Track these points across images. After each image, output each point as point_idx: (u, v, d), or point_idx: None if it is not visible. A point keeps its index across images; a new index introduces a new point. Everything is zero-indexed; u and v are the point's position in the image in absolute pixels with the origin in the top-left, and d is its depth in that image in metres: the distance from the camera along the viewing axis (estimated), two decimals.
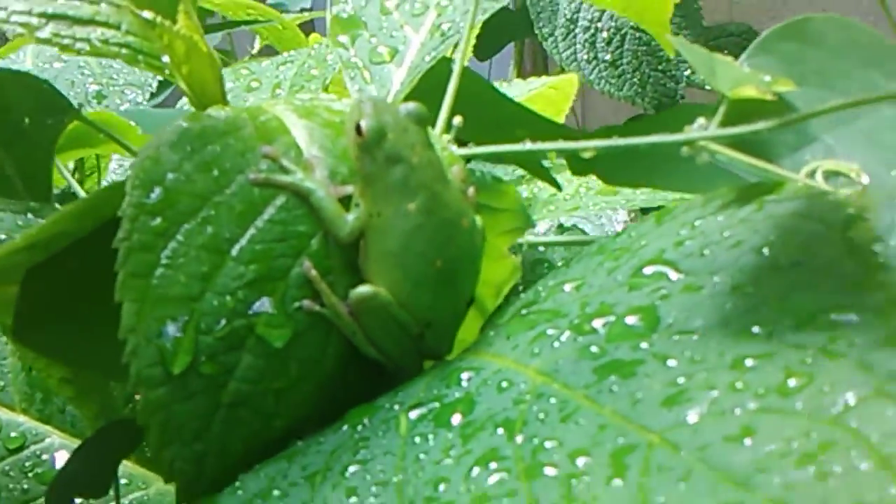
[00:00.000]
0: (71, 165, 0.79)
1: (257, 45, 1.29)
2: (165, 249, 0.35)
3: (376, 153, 0.37)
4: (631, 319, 0.31)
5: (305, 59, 0.74)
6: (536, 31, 1.17)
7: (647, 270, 0.33)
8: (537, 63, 1.44)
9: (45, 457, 0.55)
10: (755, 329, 0.29)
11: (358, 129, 0.37)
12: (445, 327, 0.39)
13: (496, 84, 0.86)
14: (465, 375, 0.34)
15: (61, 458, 0.55)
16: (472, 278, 0.40)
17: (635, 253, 0.35)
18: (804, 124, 0.36)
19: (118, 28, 0.43)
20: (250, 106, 0.40)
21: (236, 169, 0.37)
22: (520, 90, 0.86)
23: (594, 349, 0.31)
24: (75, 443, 0.55)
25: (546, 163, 0.59)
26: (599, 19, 1.16)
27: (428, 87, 0.48)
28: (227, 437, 0.36)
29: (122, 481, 0.53)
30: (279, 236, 0.36)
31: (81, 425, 0.55)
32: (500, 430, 0.30)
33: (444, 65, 0.49)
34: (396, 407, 0.34)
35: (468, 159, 0.45)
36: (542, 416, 0.30)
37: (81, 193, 0.68)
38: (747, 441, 0.25)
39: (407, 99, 0.48)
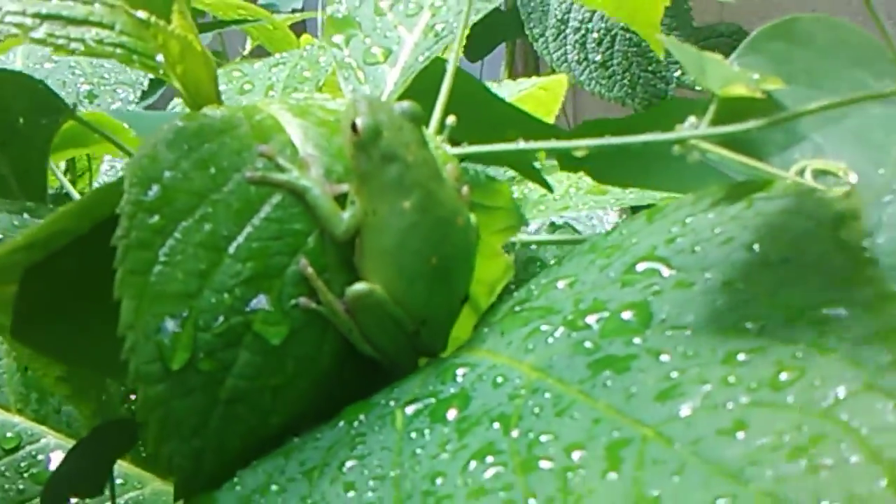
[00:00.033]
0: (62, 166, 0.79)
1: (248, 46, 1.29)
2: (163, 247, 0.35)
3: (372, 151, 0.37)
4: (624, 315, 0.32)
5: (298, 61, 0.74)
6: (527, 32, 1.18)
7: (640, 267, 0.34)
8: (528, 64, 1.44)
9: (40, 457, 0.55)
10: (747, 324, 0.29)
11: (354, 127, 0.37)
12: (440, 324, 0.40)
13: (489, 85, 0.86)
14: (459, 371, 0.34)
15: (56, 459, 0.55)
16: (467, 276, 0.40)
17: (627, 250, 0.35)
18: (793, 123, 0.36)
19: (112, 28, 0.43)
20: (246, 105, 0.41)
21: (233, 167, 0.37)
22: (510, 91, 0.86)
23: (588, 344, 0.31)
24: (71, 443, 0.55)
25: (536, 164, 0.59)
26: (590, 20, 1.17)
27: (421, 88, 0.48)
28: (225, 434, 0.36)
29: (118, 481, 0.53)
30: (276, 234, 0.37)
31: (77, 426, 0.55)
32: (496, 425, 0.30)
33: (438, 65, 0.49)
34: (392, 403, 0.35)
35: (461, 159, 0.45)
36: (537, 410, 0.30)
37: (74, 193, 0.69)
38: (740, 434, 0.25)
39: (401, 99, 0.48)
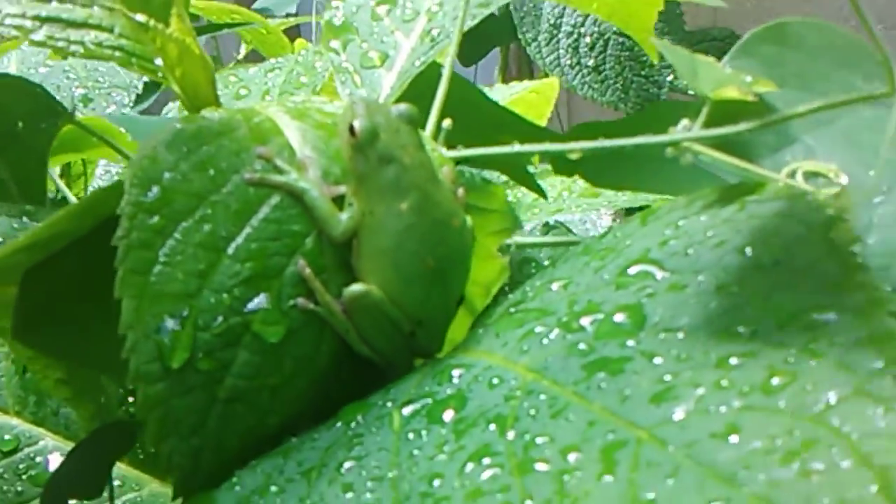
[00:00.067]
0: (57, 171, 0.80)
1: (243, 51, 1.29)
2: (163, 247, 0.35)
3: (369, 153, 0.38)
4: (618, 317, 0.32)
5: (294, 66, 0.74)
6: (520, 37, 1.18)
7: (633, 269, 0.34)
8: (522, 68, 1.45)
9: (38, 459, 0.55)
10: (739, 328, 0.29)
11: (351, 129, 0.38)
12: (436, 325, 0.40)
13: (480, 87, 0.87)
14: (455, 372, 0.35)
15: (55, 461, 0.55)
16: (463, 277, 0.40)
17: (621, 252, 0.35)
18: (785, 125, 0.36)
19: (111, 31, 0.43)
20: (244, 108, 0.41)
21: (232, 169, 0.37)
22: (502, 95, 0.87)
23: (582, 346, 0.32)
24: (69, 445, 0.55)
25: (532, 169, 0.60)
26: (582, 24, 1.17)
27: (418, 92, 0.48)
28: (224, 432, 0.36)
29: (116, 483, 0.53)
30: (274, 235, 0.37)
31: (75, 428, 0.55)
32: (492, 427, 0.30)
33: (434, 70, 0.50)
34: (389, 404, 0.35)
35: (457, 161, 0.45)
36: (532, 412, 0.30)
37: (71, 198, 0.69)
38: (733, 438, 0.26)
39: (397, 103, 0.49)
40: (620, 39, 1.16)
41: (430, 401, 0.33)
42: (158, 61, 0.44)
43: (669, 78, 1.15)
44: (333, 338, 0.38)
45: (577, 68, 1.16)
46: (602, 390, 0.29)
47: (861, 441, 0.24)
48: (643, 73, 1.15)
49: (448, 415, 0.32)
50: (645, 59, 1.15)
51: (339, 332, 0.38)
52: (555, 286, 0.36)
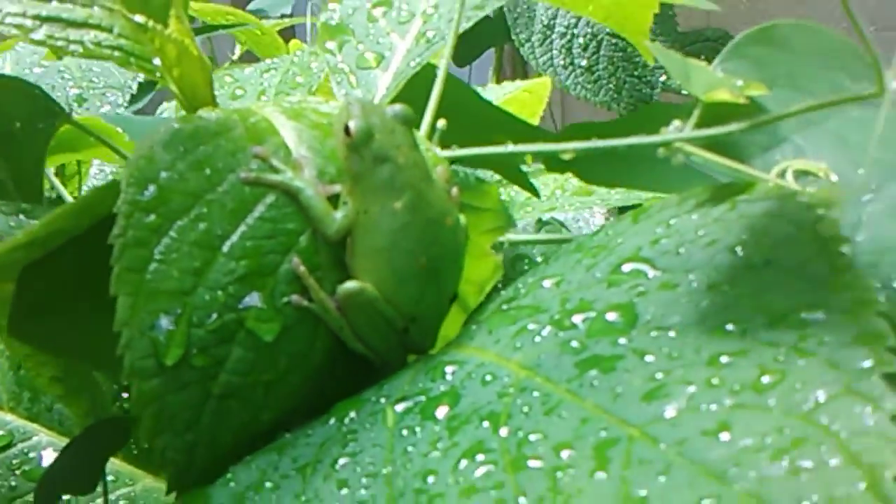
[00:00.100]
0: (52, 171, 0.80)
1: (238, 51, 1.29)
2: (159, 245, 0.36)
3: (364, 153, 0.38)
4: (610, 315, 0.32)
5: (289, 67, 0.74)
6: (513, 37, 1.18)
7: (625, 268, 0.34)
8: (516, 69, 1.45)
9: (32, 455, 0.55)
10: (729, 326, 0.30)
11: (346, 129, 0.38)
12: (429, 322, 0.40)
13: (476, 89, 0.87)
14: (449, 369, 0.35)
15: (48, 456, 0.55)
16: (456, 275, 0.41)
17: (613, 250, 0.36)
18: (775, 125, 0.37)
19: (111, 31, 0.44)
20: (240, 108, 0.41)
21: (228, 168, 0.38)
22: (495, 95, 0.87)
23: (575, 344, 0.32)
24: (62, 441, 0.55)
25: (525, 168, 0.60)
26: (576, 25, 1.17)
27: (413, 92, 0.49)
28: (217, 428, 0.36)
29: (109, 478, 0.54)
30: (269, 233, 0.37)
31: (69, 423, 0.56)
32: (486, 423, 0.30)
33: (429, 71, 0.50)
34: (383, 400, 0.35)
35: (451, 161, 0.46)
36: (525, 409, 0.30)
37: (67, 197, 0.69)
38: (723, 436, 0.26)
39: (392, 103, 0.49)
40: (613, 40, 1.16)
41: (423, 397, 0.34)
42: (157, 61, 0.44)
43: (662, 78, 1.15)
44: (327, 335, 0.38)
45: (571, 69, 1.16)
46: (594, 388, 0.30)
47: (850, 439, 0.24)
48: (636, 73, 1.15)
49: (441, 411, 0.32)
50: (638, 59, 1.15)
51: (333, 329, 0.38)
52: (547, 283, 0.37)
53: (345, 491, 0.31)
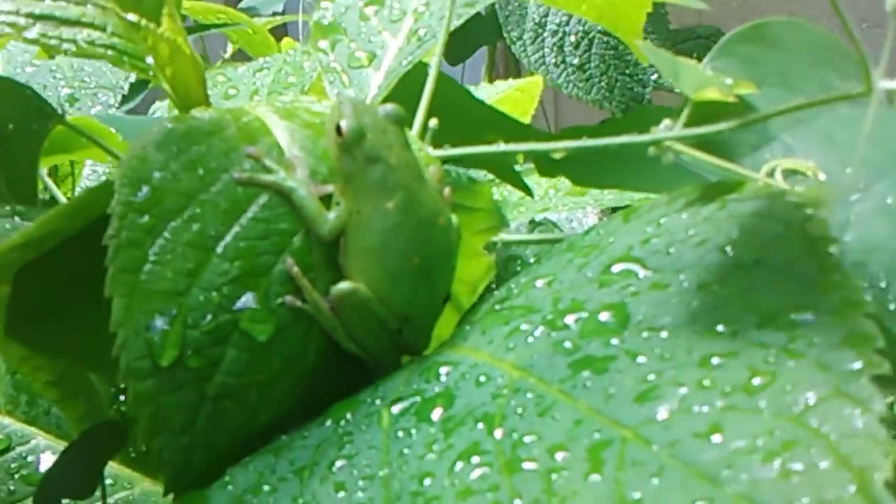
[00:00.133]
0: (44, 172, 0.80)
1: (230, 50, 1.29)
2: (153, 246, 0.36)
3: (356, 153, 0.38)
4: (602, 316, 0.32)
5: (282, 66, 0.74)
6: (505, 35, 1.18)
7: (616, 267, 0.34)
8: (509, 67, 1.45)
9: (30, 458, 0.55)
10: (720, 327, 0.30)
11: (338, 129, 0.38)
12: (422, 323, 0.40)
13: (468, 88, 0.87)
14: (443, 370, 0.35)
15: (46, 460, 0.55)
16: (448, 275, 0.41)
17: (604, 250, 0.36)
18: (764, 124, 0.37)
19: (104, 30, 0.44)
20: (233, 108, 0.41)
21: (221, 168, 0.38)
22: (487, 94, 0.87)
23: (567, 344, 0.32)
24: (60, 444, 0.55)
25: (517, 167, 0.60)
26: (567, 23, 1.17)
27: (405, 91, 0.49)
28: (213, 429, 0.37)
29: (107, 482, 0.54)
30: (262, 234, 0.37)
31: (66, 427, 0.56)
32: (480, 425, 0.31)
33: (420, 69, 0.50)
34: (378, 402, 0.35)
35: (443, 161, 0.46)
36: (520, 410, 0.30)
37: (61, 198, 0.69)
38: (715, 438, 0.26)
39: (384, 102, 0.49)
40: (605, 38, 1.16)
41: (418, 399, 0.34)
42: (149, 60, 0.44)
43: (654, 77, 1.15)
44: (321, 335, 0.39)
45: (562, 67, 1.16)
46: (587, 389, 0.30)
47: (839, 442, 0.25)
48: (628, 71, 1.15)
49: (436, 413, 0.32)
50: (629, 58, 1.15)
51: (326, 329, 0.38)
52: (539, 283, 0.37)
53: (342, 494, 0.31)
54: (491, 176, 0.65)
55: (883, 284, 0.35)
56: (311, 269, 0.38)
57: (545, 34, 1.17)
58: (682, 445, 0.26)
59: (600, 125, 0.54)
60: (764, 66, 0.41)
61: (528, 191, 0.60)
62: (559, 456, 0.28)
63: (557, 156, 0.41)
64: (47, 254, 0.39)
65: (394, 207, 0.38)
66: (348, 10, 0.56)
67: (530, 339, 0.33)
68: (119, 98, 0.85)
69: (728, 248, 0.32)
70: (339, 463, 0.33)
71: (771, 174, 0.36)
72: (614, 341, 0.31)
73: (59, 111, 0.57)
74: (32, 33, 0.42)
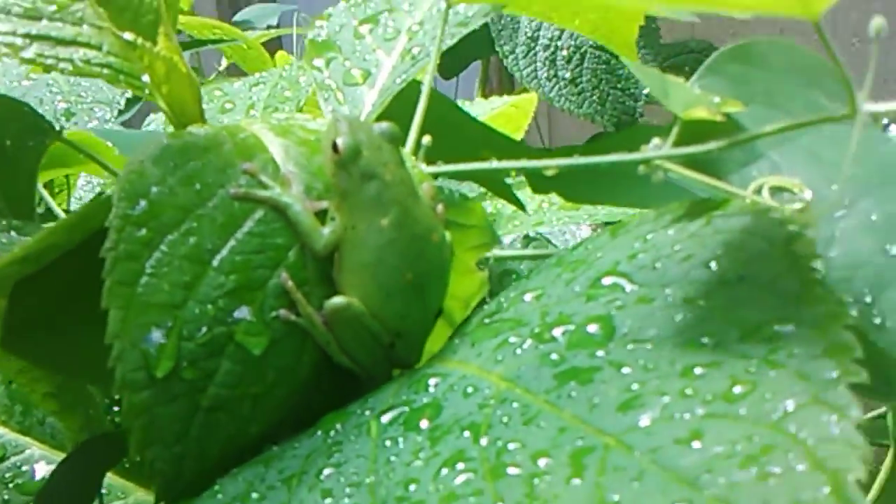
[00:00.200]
0: (40, 185, 0.80)
1: (224, 63, 1.30)
2: (150, 259, 0.36)
3: (351, 170, 0.39)
4: (589, 328, 0.33)
5: (278, 81, 0.75)
6: (497, 49, 1.18)
7: (603, 282, 0.35)
8: (503, 81, 1.46)
9: (25, 468, 0.56)
10: (704, 339, 0.30)
11: (334, 146, 0.39)
12: (415, 337, 0.41)
13: (462, 103, 0.88)
14: (432, 381, 0.35)
15: (41, 470, 0.55)
16: (441, 290, 0.41)
17: (592, 265, 0.36)
18: (751, 142, 0.38)
19: (100, 49, 0.44)
20: (229, 124, 0.42)
21: (217, 183, 0.38)
22: (482, 109, 0.88)
23: (554, 356, 0.32)
24: (55, 454, 0.55)
25: (509, 180, 0.61)
26: (559, 38, 1.17)
27: (398, 109, 0.50)
28: (206, 440, 0.37)
29: (102, 491, 0.54)
30: (258, 248, 0.38)
31: (61, 437, 0.56)
32: (466, 434, 0.31)
33: (414, 87, 0.51)
34: (367, 412, 0.36)
35: (436, 177, 0.46)
36: (505, 419, 0.31)
37: (58, 211, 0.69)
38: (695, 444, 0.27)
39: (378, 120, 0.50)
40: (597, 53, 1.16)
41: (406, 409, 0.34)
42: (145, 78, 0.45)
43: (646, 91, 1.15)
44: (314, 349, 0.39)
45: (554, 81, 1.16)
46: (572, 398, 0.30)
47: (816, 446, 0.25)
48: (619, 86, 1.16)
49: (424, 422, 0.33)
50: (621, 72, 1.16)
51: (320, 343, 0.39)
52: (528, 297, 0.37)
53: (329, 500, 0.32)
54: (484, 190, 0.66)
55: (868, 299, 0.36)
56: (305, 283, 0.39)
57: (537, 48, 1.17)
58: (663, 451, 0.27)
59: (592, 142, 0.54)
60: (750, 84, 0.41)
61: (520, 205, 0.61)
62: (542, 462, 0.28)
63: (549, 173, 0.42)
64: (45, 267, 0.39)
65: (388, 224, 0.39)
66: (343, 29, 0.57)
67: (518, 352, 0.34)
68: (115, 113, 0.85)
69: (713, 264, 0.33)
70: (326, 471, 0.33)
71: (758, 191, 0.37)
72: (600, 353, 0.32)
73: (56, 125, 0.57)
74: (29, 53, 0.43)
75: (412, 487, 0.30)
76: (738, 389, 0.28)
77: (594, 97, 1.16)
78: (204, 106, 0.48)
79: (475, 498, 0.28)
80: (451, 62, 1.28)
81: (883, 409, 0.83)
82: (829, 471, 0.25)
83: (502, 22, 1.18)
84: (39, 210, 0.68)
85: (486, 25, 1.20)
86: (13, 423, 0.56)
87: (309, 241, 0.39)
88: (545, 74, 1.17)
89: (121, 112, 0.86)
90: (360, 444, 0.34)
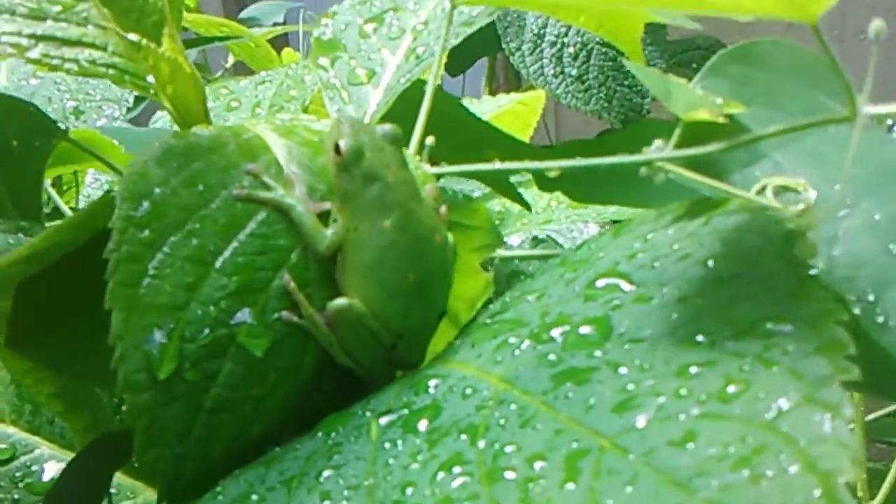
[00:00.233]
0: (48, 182, 0.80)
1: (231, 60, 1.30)
2: (153, 260, 0.36)
3: (354, 171, 0.39)
4: (586, 329, 0.33)
5: (283, 79, 0.75)
6: (504, 46, 1.18)
7: (602, 282, 0.35)
8: (510, 78, 1.45)
9: (34, 467, 0.56)
10: (699, 338, 0.30)
11: (337, 148, 0.39)
12: (417, 338, 0.41)
13: (468, 101, 0.88)
14: (432, 383, 0.35)
15: (50, 469, 0.56)
16: (444, 292, 0.41)
17: (593, 265, 0.36)
18: (754, 143, 0.38)
19: (105, 49, 0.45)
20: (233, 125, 0.42)
21: (220, 184, 0.38)
22: (490, 107, 0.88)
23: (552, 357, 0.32)
24: (64, 454, 0.56)
25: (519, 177, 0.61)
26: (566, 34, 1.17)
27: (403, 108, 0.50)
28: (208, 441, 0.37)
29: (111, 491, 0.54)
30: (260, 249, 0.38)
31: (70, 436, 0.56)
32: (464, 436, 0.31)
33: (419, 86, 0.51)
34: (368, 414, 0.36)
35: (440, 177, 0.46)
36: (502, 421, 0.31)
37: (65, 209, 0.70)
38: (689, 445, 0.27)
39: (382, 119, 0.50)
40: (603, 49, 1.16)
41: (406, 411, 0.34)
42: (150, 79, 0.45)
43: None
44: (317, 350, 0.39)
45: (561, 78, 1.16)
46: (569, 400, 0.30)
47: (808, 447, 0.25)
48: (626, 82, 1.15)
49: (423, 424, 0.33)
50: (627, 69, 1.15)
51: (322, 344, 0.39)
52: (530, 298, 0.37)
53: (327, 503, 0.32)
54: (489, 190, 0.66)
55: (871, 298, 0.36)
56: (307, 284, 0.39)
57: (544, 45, 1.17)
58: (658, 454, 0.27)
59: (599, 139, 0.54)
60: (752, 85, 0.41)
61: (525, 204, 0.61)
62: (537, 465, 0.28)
63: (552, 174, 0.42)
64: (49, 267, 0.40)
65: (390, 225, 0.39)
66: (348, 28, 0.57)
67: (517, 353, 0.34)
68: (124, 111, 0.85)
69: (710, 262, 0.33)
70: (326, 473, 0.33)
71: (762, 192, 0.37)
72: (597, 353, 0.32)
73: (65, 124, 0.58)
74: (35, 53, 0.43)
75: (409, 491, 0.30)
76: (731, 389, 0.28)
77: (601, 94, 1.16)
78: (210, 104, 0.48)
79: (470, 502, 0.28)
80: (458, 59, 1.28)
81: (892, 408, 0.83)
82: (821, 472, 0.25)
83: (508, 19, 1.18)
84: (46, 209, 0.68)
85: (492, 22, 1.20)
86: (22, 422, 0.57)
87: (311, 243, 0.39)
88: (552, 71, 1.16)
89: (129, 109, 0.86)
90: (359, 446, 0.34)
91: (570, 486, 0.27)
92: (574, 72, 1.16)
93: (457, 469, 0.30)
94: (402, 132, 0.41)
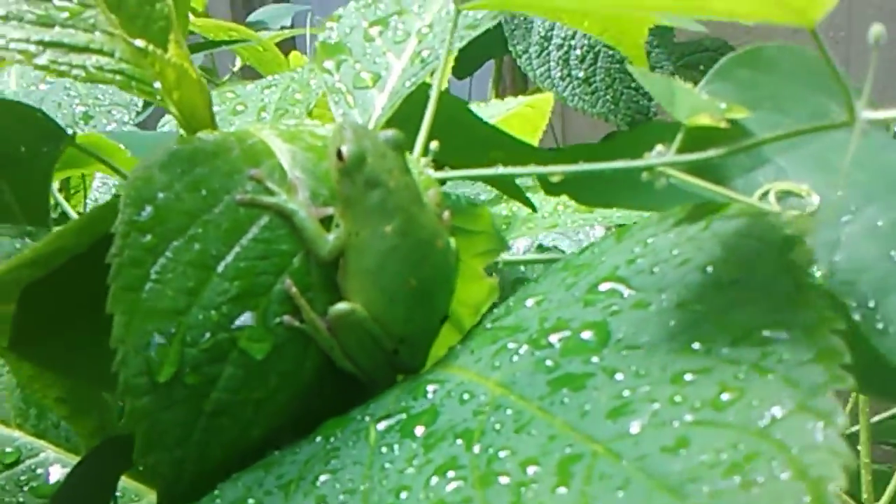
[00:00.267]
0: (56, 185, 0.80)
1: (238, 63, 1.31)
2: (155, 265, 0.37)
3: (356, 177, 0.39)
4: (584, 334, 0.33)
5: (289, 83, 0.75)
6: (510, 49, 1.18)
7: (602, 287, 0.35)
8: (516, 80, 1.45)
9: (39, 471, 0.56)
10: (695, 345, 0.30)
11: (339, 154, 0.39)
12: (419, 343, 0.41)
13: (476, 104, 0.88)
14: (430, 388, 0.36)
15: (56, 473, 0.56)
16: (446, 297, 0.41)
17: (594, 269, 0.36)
18: (757, 148, 0.38)
19: (112, 55, 0.45)
20: (237, 130, 0.42)
21: (224, 189, 0.39)
22: (498, 110, 0.88)
23: (549, 363, 0.33)
24: (70, 457, 0.56)
25: (527, 181, 0.61)
26: (573, 37, 1.17)
27: (408, 111, 0.50)
28: (208, 444, 0.37)
29: (116, 494, 0.54)
30: (263, 254, 0.38)
31: (76, 440, 0.56)
32: (459, 441, 0.31)
33: (425, 90, 0.51)
34: (367, 418, 0.36)
35: (444, 181, 0.46)
36: (498, 426, 0.31)
37: (72, 213, 0.70)
38: (682, 451, 0.27)
39: (388, 122, 0.50)
40: (610, 52, 1.16)
41: (404, 415, 0.34)
42: (157, 85, 0.45)
43: None
44: (318, 354, 0.39)
45: (568, 80, 1.16)
46: (564, 405, 0.30)
47: (800, 455, 0.25)
48: (633, 85, 1.15)
49: (420, 429, 0.33)
50: None
51: (323, 348, 0.39)
52: (530, 302, 0.37)
53: None
54: (494, 195, 0.66)
55: (871, 304, 0.36)
56: (309, 289, 0.39)
57: (551, 48, 1.17)
58: (650, 459, 0.27)
59: (605, 142, 0.54)
60: (758, 90, 0.41)
61: (531, 206, 0.61)
62: (531, 470, 0.28)
63: (555, 179, 0.42)
64: (53, 272, 0.40)
65: (392, 230, 0.39)
66: (353, 31, 0.57)
67: (515, 358, 0.34)
68: (133, 114, 0.86)
69: (708, 268, 0.33)
70: (323, 477, 0.33)
71: (764, 197, 0.37)
72: (594, 359, 0.32)
73: (74, 129, 0.58)
74: (42, 60, 0.43)
75: (403, 495, 0.30)
76: (726, 396, 0.28)
77: (608, 96, 1.15)
78: (216, 108, 0.48)
79: None
80: (465, 62, 1.28)
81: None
82: (812, 479, 0.25)
83: (515, 22, 1.18)
84: (54, 214, 0.69)
85: (499, 25, 1.20)
86: (28, 426, 0.57)
87: (314, 248, 0.39)
88: (559, 74, 1.16)
89: (137, 114, 0.87)
90: (357, 451, 0.34)
91: (562, 490, 0.27)
92: (581, 74, 1.16)
93: (451, 473, 0.30)
94: (407, 136, 0.41)
